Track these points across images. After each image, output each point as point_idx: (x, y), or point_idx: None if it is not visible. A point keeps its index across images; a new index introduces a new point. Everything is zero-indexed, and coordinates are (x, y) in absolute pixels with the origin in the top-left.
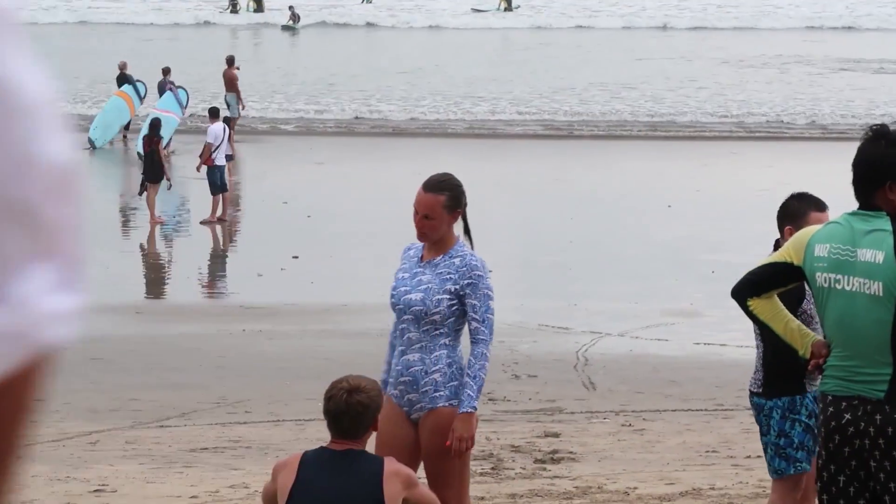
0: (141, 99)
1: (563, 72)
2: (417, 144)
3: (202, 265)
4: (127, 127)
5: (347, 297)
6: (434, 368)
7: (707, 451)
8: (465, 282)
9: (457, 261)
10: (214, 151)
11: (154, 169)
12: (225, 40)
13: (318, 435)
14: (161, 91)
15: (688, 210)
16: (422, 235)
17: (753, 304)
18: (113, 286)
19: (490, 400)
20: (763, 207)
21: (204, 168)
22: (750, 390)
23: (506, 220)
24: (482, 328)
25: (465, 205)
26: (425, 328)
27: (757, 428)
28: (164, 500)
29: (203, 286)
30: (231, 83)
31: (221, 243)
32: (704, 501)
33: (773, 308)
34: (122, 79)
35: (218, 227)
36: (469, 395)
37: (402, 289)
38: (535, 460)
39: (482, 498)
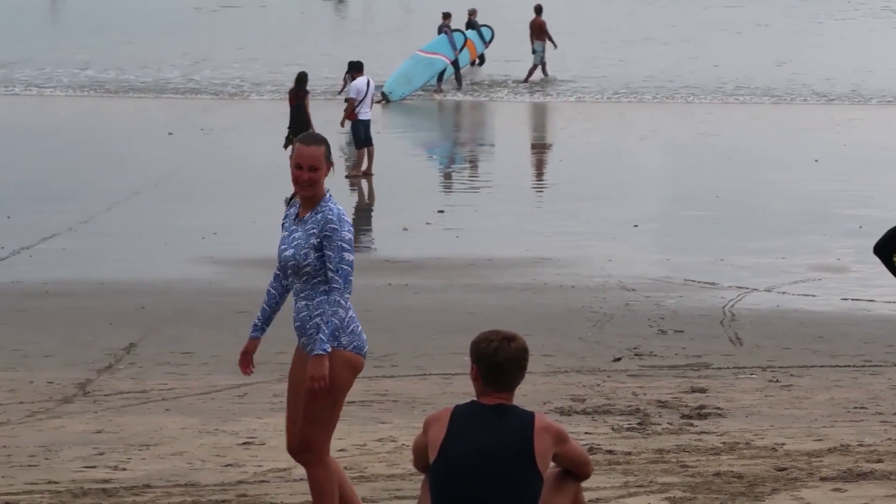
0: (486, 43)
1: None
2: (543, 108)
3: (347, 219)
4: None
5: (492, 252)
6: (316, 313)
7: (855, 408)
8: (324, 234)
9: (319, 216)
10: (358, 105)
11: (300, 123)
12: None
13: (465, 389)
14: (439, 33)
15: (835, 164)
16: (307, 188)
17: None
18: (259, 240)
19: (636, 355)
20: None
21: (349, 122)
22: None
23: (652, 175)
24: (336, 277)
25: None
26: (304, 279)
27: None
28: None
29: None
30: (539, 31)
31: (367, 197)
32: (853, 458)
33: None
34: (470, 25)
35: (363, 181)
36: (321, 339)
37: (281, 247)
38: (681, 416)
39: (629, 453)
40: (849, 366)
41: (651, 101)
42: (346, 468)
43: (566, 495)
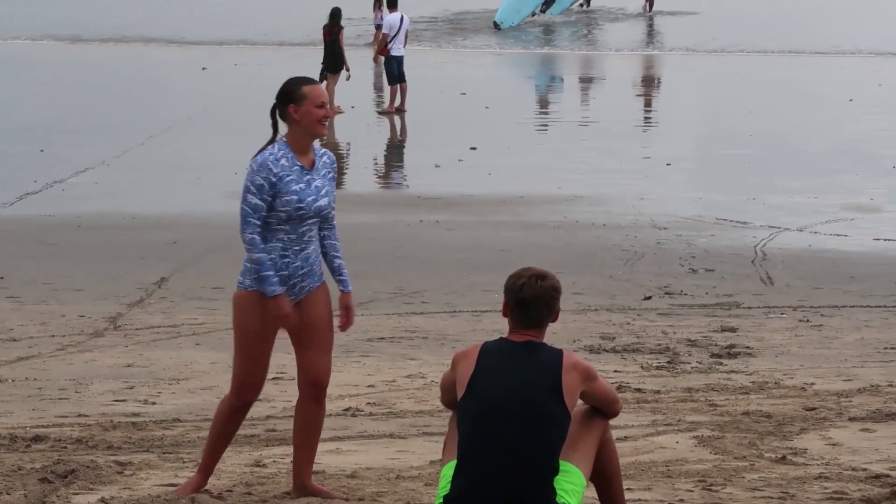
0: None
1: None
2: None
3: (379, 155)
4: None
5: (524, 189)
6: (321, 248)
7: (886, 348)
8: (333, 174)
9: (326, 158)
10: (391, 42)
11: (334, 58)
12: None
13: (495, 326)
14: None
15: (869, 104)
16: (324, 127)
17: None
18: None
19: (667, 294)
20: None
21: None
22: None
23: (685, 113)
24: (334, 213)
25: None
26: (319, 221)
27: None
28: (342, 388)
29: (380, 176)
30: None
31: (399, 133)
32: (882, 398)
33: None
34: None
35: (396, 118)
36: (347, 275)
37: (310, 199)
38: (711, 354)
39: (658, 392)
40: (880, 306)
41: (689, 51)
42: (374, 404)
43: (594, 433)
